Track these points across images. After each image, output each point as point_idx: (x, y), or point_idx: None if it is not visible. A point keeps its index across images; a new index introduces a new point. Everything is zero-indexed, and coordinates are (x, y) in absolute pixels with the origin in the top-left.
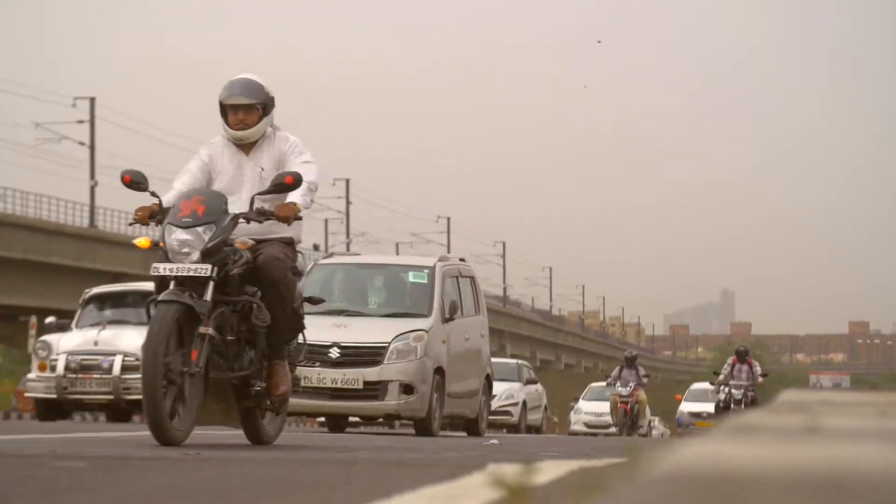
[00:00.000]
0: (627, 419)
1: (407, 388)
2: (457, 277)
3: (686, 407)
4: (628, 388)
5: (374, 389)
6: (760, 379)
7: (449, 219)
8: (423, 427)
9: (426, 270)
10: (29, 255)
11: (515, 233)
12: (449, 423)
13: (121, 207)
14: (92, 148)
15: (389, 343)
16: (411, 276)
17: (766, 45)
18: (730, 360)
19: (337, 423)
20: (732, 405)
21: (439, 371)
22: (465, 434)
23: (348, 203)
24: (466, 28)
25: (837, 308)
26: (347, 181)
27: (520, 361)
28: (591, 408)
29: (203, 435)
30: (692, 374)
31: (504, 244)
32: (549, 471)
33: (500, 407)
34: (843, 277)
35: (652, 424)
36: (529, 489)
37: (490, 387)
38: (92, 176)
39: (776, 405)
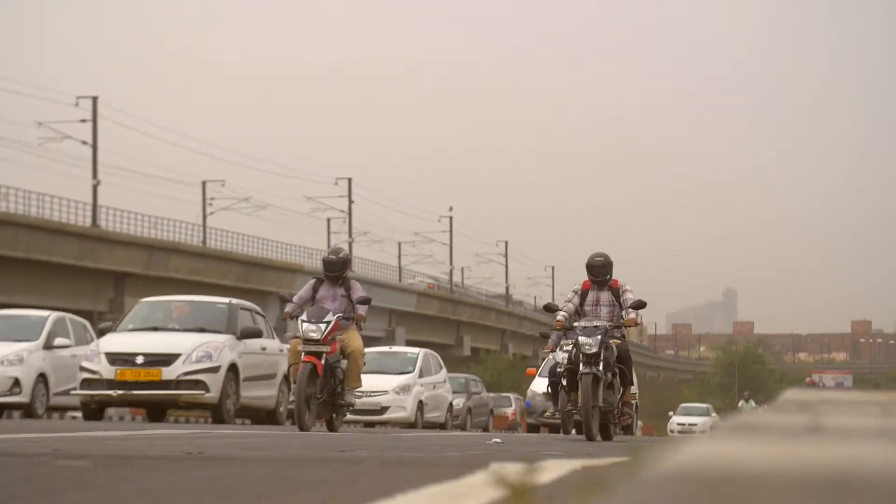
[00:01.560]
0: (320, 388)
1: None
2: None
3: (540, 385)
4: (321, 326)
5: None
6: (633, 314)
7: (451, 218)
8: None
9: None
10: (31, 254)
11: (518, 232)
12: None
13: (123, 206)
14: (94, 147)
15: None
16: None
17: (766, 45)
18: (578, 286)
19: None
20: (582, 366)
21: None
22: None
23: (350, 202)
24: (466, 28)
25: (840, 307)
26: (350, 180)
27: (234, 300)
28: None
29: (204, 435)
30: (694, 374)
31: (507, 243)
32: (551, 470)
33: (186, 374)
34: (845, 277)
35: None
36: (532, 488)
37: None
38: (94, 175)
39: (779, 404)
